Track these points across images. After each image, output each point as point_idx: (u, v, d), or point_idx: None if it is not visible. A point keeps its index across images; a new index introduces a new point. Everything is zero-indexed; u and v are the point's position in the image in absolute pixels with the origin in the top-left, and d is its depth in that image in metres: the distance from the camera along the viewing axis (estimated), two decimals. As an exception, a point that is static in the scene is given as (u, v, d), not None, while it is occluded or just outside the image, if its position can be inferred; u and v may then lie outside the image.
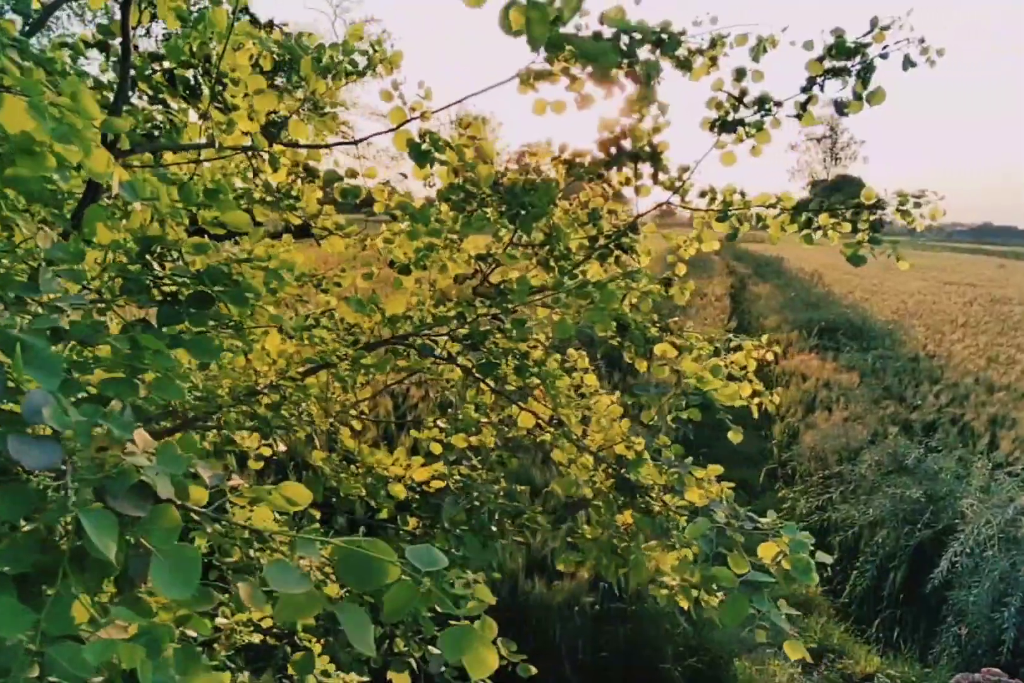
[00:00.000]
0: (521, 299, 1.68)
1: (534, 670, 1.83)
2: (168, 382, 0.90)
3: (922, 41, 1.77)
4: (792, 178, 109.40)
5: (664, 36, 1.75)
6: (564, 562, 1.84)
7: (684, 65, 1.93)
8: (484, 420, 2.34)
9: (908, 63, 1.82)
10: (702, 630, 4.61)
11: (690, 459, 1.92)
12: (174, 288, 1.07)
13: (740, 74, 1.99)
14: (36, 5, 2.08)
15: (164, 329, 1.01)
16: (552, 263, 2.21)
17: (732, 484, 1.90)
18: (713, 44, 2.02)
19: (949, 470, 5.41)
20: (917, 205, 1.99)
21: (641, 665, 4.32)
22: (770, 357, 2.41)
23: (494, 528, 1.87)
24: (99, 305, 1.02)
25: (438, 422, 2.33)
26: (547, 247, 2.22)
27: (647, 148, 2.13)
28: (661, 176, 2.18)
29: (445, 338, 1.80)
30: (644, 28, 1.55)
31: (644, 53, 1.66)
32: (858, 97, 1.94)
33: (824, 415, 7.83)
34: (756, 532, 1.50)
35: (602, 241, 2.12)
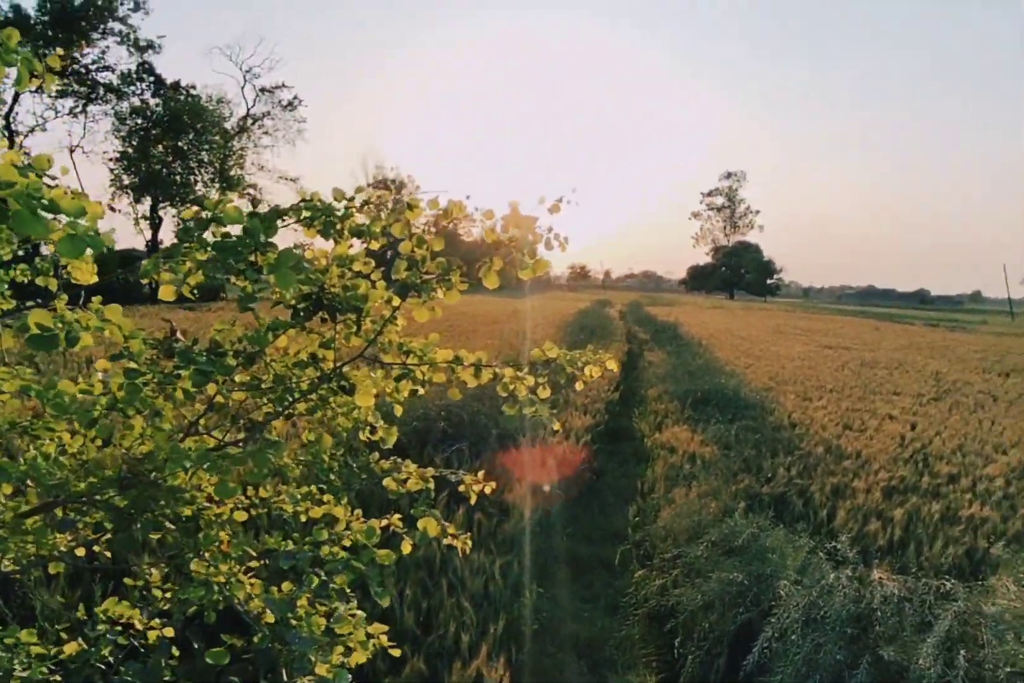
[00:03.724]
0: (174, 468, 1.76)
1: None
2: None
3: (550, 230, 2.03)
4: (696, 244, 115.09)
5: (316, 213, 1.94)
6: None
7: (359, 234, 2.12)
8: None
9: (550, 245, 2.07)
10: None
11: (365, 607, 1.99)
12: None
13: (420, 241, 2.19)
14: None
15: None
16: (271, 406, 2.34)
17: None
18: (411, 206, 2.24)
19: (775, 549, 5.66)
20: (582, 367, 2.20)
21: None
22: (488, 490, 2.56)
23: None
24: None
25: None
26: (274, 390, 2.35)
27: (352, 301, 2.30)
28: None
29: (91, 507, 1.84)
30: (255, 225, 1.71)
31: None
32: (524, 266, 2.16)
33: (683, 491, 8.07)
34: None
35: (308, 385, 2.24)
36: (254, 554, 2.05)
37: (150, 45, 49.42)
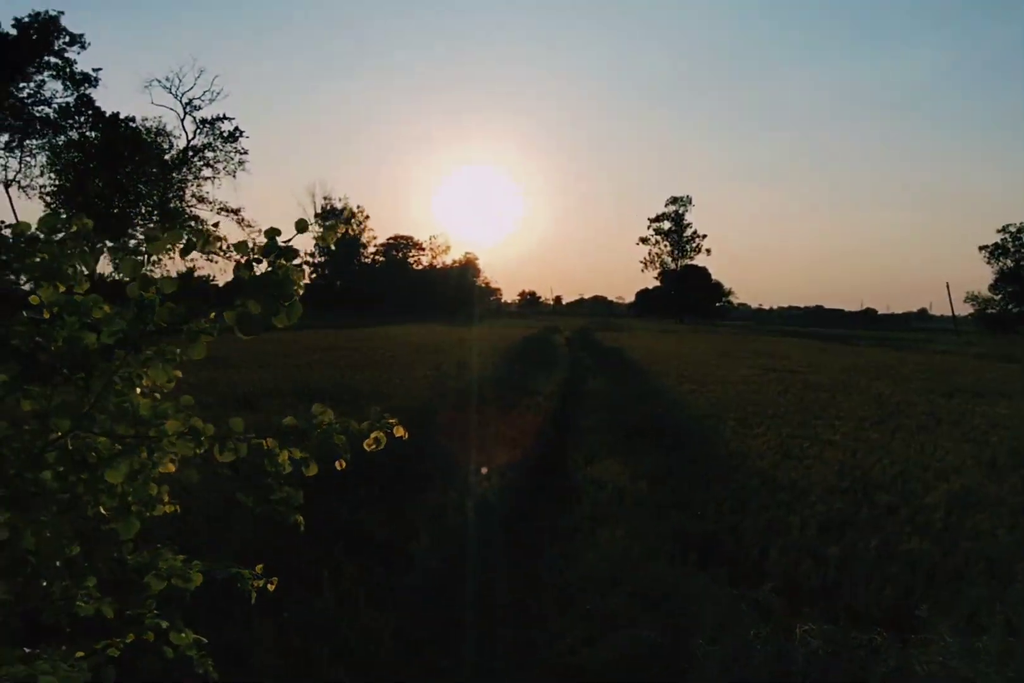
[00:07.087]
0: None
1: None
2: None
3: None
4: (645, 268, 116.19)
5: None
6: None
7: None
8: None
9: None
10: None
11: None
12: None
13: (146, 282, 1.71)
14: None
15: None
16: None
17: None
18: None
19: (695, 600, 5.20)
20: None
21: None
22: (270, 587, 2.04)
23: None
24: None
25: None
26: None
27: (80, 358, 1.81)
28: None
29: None
30: None
31: None
32: (275, 311, 1.69)
33: (608, 531, 7.58)
34: None
35: None
36: None
37: (87, 78, 48.77)
